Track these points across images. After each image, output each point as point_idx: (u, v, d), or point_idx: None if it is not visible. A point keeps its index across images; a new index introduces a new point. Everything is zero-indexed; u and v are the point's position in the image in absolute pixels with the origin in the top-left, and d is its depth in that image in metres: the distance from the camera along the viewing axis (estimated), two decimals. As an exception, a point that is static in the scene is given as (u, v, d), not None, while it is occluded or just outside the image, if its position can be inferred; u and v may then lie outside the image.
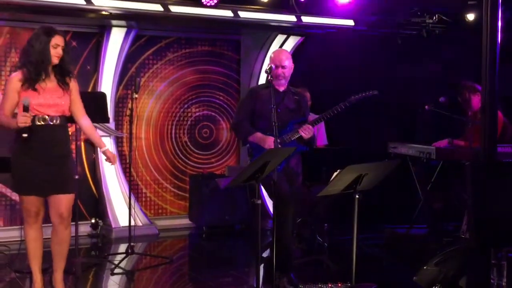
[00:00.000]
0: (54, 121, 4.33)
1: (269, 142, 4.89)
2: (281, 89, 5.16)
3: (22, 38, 6.47)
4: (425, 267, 4.14)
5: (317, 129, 5.99)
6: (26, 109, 4.15)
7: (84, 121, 4.56)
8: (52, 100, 4.32)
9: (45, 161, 4.30)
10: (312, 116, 5.45)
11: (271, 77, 4.85)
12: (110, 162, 4.68)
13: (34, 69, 4.27)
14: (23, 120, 4.13)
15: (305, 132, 4.98)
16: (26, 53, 4.32)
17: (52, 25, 4.59)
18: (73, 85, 4.46)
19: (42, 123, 4.27)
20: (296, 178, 5.15)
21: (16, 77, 4.30)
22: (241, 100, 6.30)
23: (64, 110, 4.40)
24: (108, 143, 6.50)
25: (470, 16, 7.20)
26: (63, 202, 4.38)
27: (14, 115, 4.34)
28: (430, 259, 4.19)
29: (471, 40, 5.36)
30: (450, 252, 4.22)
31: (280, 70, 5.08)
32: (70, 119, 4.53)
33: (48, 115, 4.30)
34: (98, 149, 4.92)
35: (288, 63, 5.11)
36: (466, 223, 5.85)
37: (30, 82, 4.26)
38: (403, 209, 6.84)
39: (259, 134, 5.01)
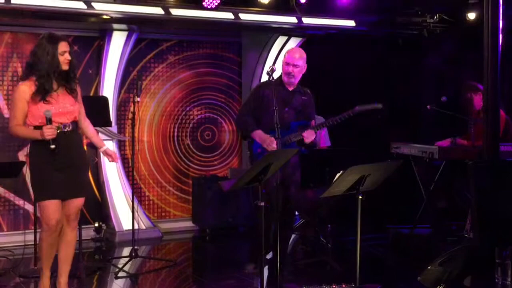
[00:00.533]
0: (67, 128, 4.37)
1: (271, 143, 4.89)
2: (290, 88, 5.14)
3: (24, 43, 6.50)
4: (429, 267, 4.12)
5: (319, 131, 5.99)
6: (49, 121, 4.22)
7: (86, 122, 4.63)
8: (66, 109, 4.36)
9: (64, 167, 4.34)
10: (317, 119, 5.43)
11: (272, 78, 4.83)
12: (112, 160, 4.74)
13: (46, 82, 4.26)
14: (50, 132, 4.21)
15: (308, 137, 4.99)
16: (35, 66, 4.28)
17: (53, 29, 4.58)
18: (78, 89, 4.50)
19: (57, 131, 4.29)
20: (293, 180, 5.14)
21: (25, 90, 4.28)
22: (246, 97, 6.30)
23: (76, 116, 4.45)
24: (111, 147, 6.51)
25: (471, 15, 7.19)
26: (73, 204, 4.45)
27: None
28: (434, 258, 4.17)
29: (472, 39, 5.36)
30: (454, 251, 4.21)
31: (291, 68, 5.05)
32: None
33: (61, 123, 4.33)
34: (99, 150, 4.94)
35: (301, 63, 5.07)
36: (469, 222, 5.84)
37: (43, 95, 4.26)
38: (406, 209, 6.83)
39: (259, 132, 5.01)
